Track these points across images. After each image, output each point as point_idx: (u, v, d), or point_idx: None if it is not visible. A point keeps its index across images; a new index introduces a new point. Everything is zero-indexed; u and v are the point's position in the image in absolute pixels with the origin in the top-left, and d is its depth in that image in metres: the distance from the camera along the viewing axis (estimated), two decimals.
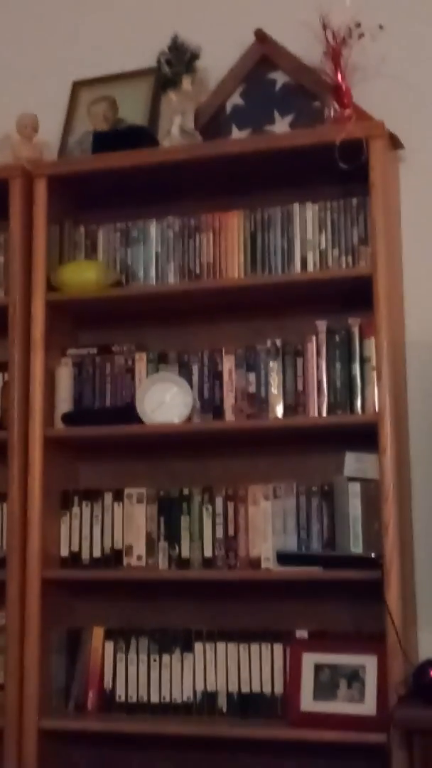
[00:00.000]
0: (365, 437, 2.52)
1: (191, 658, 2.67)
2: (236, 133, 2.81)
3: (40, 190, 2.80)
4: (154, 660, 2.69)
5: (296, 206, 2.69)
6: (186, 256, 2.76)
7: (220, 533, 2.67)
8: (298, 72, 2.76)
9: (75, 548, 2.76)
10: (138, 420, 2.71)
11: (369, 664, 2.47)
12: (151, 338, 2.88)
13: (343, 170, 2.54)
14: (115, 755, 2.77)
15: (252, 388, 2.69)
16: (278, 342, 2.68)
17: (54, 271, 2.80)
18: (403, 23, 2.78)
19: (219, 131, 2.83)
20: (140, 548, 2.72)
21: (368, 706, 2.45)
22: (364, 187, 2.56)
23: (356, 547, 2.54)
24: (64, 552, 2.77)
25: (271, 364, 2.67)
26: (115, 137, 2.82)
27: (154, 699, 2.68)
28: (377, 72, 2.66)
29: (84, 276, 2.76)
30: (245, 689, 2.62)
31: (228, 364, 2.71)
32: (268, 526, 2.64)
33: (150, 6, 3.03)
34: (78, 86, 3.05)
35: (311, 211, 2.68)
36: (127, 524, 2.74)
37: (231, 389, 2.70)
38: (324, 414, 2.61)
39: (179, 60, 2.83)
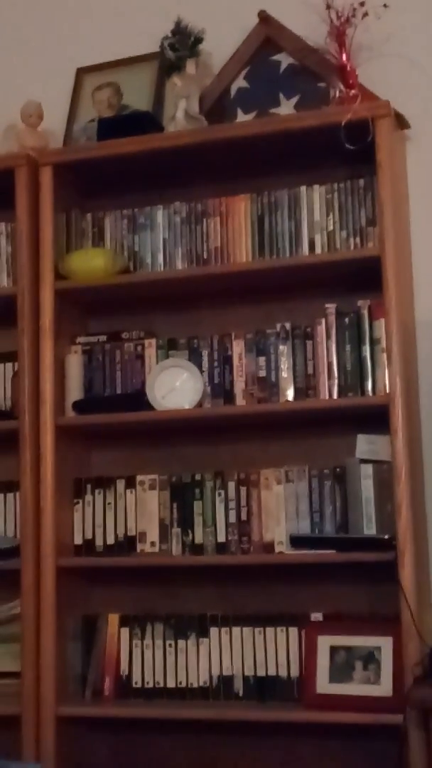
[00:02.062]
0: (376, 419, 2.52)
1: (207, 643, 2.67)
2: (241, 117, 2.80)
3: (46, 178, 2.79)
4: (170, 645, 2.70)
5: (303, 189, 2.67)
6: (193, 242, 2.75)
7: (233, 518, 2.67)
8: (302, 53, 2.74)
9: (88, 536, 2.77)
10: (149, 406, 2.71)
11: (384, 645, 2.48)
12: (160, 324, 2.88)
13: (349, 151, 2.53)
14: (133, 740, 2.78)
15: (262, 372, 2.68)
16: (287, 325, 2.67)
17: (61, 259, 2.80)
18: (408, 1, 2.76)
19: (224, 115, 2.82)
20: (153, 534, 2.73)
21: (384, 688, 2.45)
22: (370, 167, 2.55)
23: (369, 529, 2.54)
24: (78, 540, 2.78)
25: (281, 347, 2.67)
26: (119, 123, 2.82)
27: (171, 684, 2.69)
28: (382, 51, 2.65)
29: (92, 263, 2.76)
30: (261, 673, 2.63)
31: (238, 348, 2.71)
32: (280, 510, 2.64)
33: None
34: (82, 73, 3.04)
35: (318, 193, 2.66)
36: (139, 511, 2.74)
37: (241, 374, 2.70)
38: (335, 396, 2.60)
39: (183, 44, 2.81)
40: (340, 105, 2.58)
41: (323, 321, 2.64)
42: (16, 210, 2.80)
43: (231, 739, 2.70)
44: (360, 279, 2.60)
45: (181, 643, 2.69)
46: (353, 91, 2.58)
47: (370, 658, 2.49)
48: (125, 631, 2.74)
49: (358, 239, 2.62)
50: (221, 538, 2.67)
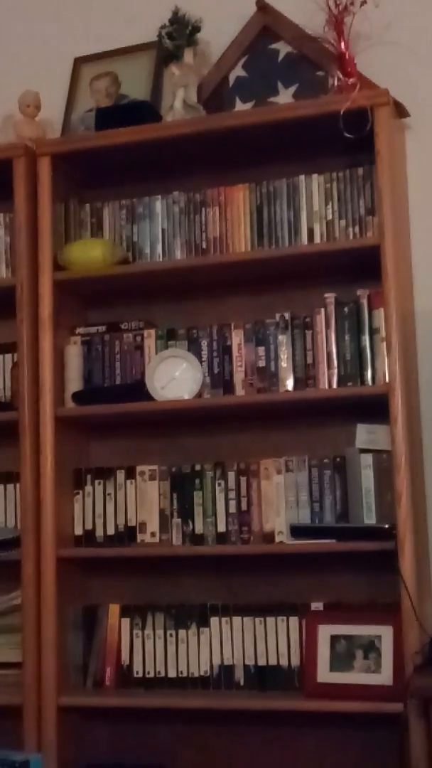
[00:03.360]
0: (376, 408, 2.52)
1: (207, 633, 2.68)
2: (240, 106, 2.80)
3: (44, 168, 2.79)
4: (171, 635, 2.70)
5: (302, 178, 2.67)
6: (192, 232, 2.74)
7: (233, 508, 2.67)
8: (300, 42, 2.73)
9: (89, 526, 2.77)
10: (148, 397, 2.70)
11: (385, 634, 2.48)
12: (159, 315, 2.87)
13: (348, 140, 2.52)
14: (134, 730, 2.79)
15: (262, 362, 2.68)
16: (287, 315, 2.67)
17: (60, 249, 2.79)
18: None
19: (222, 104, 2.81)
20: (154, 525, 2.73)
21: (385, 676, 2.46)
22: (369, 156, 2.54)
23: (369, 518, 2.54)
24: (78, 530, 2.78)
25: (280, 337, 2.66)
26: (117, 113, 2.81)
27: (172, 674, 2.69)
28: (381, 39, 2.64)
29: (90, 254, 2.75)
30: (262, 662, 2.63)
31: (237, 338, 2.71)
32: (280, 500, 2.64)
33: None
34: (79, 62, 3.03)
35: (317, 182, 2.66)
36: (140, 501, 2.75)
37: (240, 364, 2.70)
38: (334, 386, 2.60)
39: (181, 33, 2.80)
40: (338, 94, 2.58)
41: (322, 310, 2.63)
42: (14, 200, 2.80)
43: (232, 728, 2.71)
44: (359, 268, 2.60)
45: (181, 632, 2.70)
46: (352, 80, 2.58)
47: (371, 647, 2.50)
48: (126, 621, 2.74)
49: (357, 228, 2.61)
50: (221, 528, 2.67)
